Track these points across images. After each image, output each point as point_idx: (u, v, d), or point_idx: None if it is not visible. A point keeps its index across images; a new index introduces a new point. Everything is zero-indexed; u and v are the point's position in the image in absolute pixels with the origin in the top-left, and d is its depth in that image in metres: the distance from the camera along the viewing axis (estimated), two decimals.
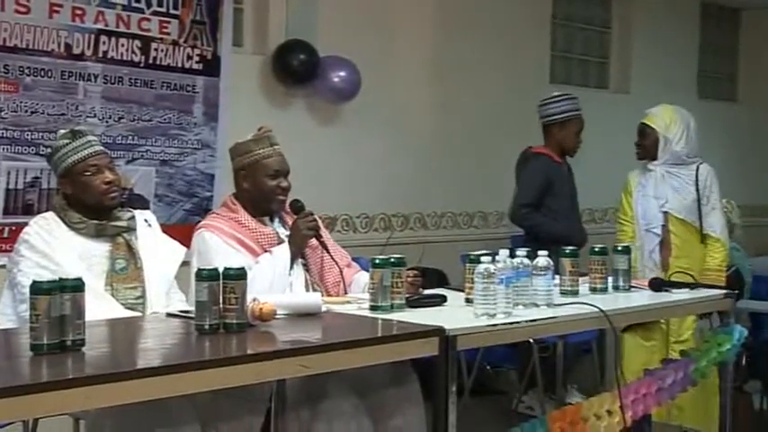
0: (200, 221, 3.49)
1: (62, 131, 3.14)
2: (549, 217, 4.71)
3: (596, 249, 3.32)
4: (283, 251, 3.28)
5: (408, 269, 2.93)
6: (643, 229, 4.50)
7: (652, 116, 4.55)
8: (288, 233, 3.36)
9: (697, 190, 4.44)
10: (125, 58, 4.34)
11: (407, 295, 2.87)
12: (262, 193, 3.34)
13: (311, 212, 3.37)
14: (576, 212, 4.95)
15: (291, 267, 3.28)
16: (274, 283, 3.19)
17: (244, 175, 3.36)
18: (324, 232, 3.46)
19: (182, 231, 3.85)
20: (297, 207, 3.39)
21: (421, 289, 3.09)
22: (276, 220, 3.43)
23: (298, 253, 3.32)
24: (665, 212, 4.47)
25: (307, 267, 3.37)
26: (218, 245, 3.23)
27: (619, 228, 4.65)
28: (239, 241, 3.27)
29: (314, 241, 3.39)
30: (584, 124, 4.87)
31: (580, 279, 3.23)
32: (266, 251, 3.29)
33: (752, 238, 4.66)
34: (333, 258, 3.37)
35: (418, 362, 2.83)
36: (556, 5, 6.66)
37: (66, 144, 3.05)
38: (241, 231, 3.29)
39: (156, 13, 4.43)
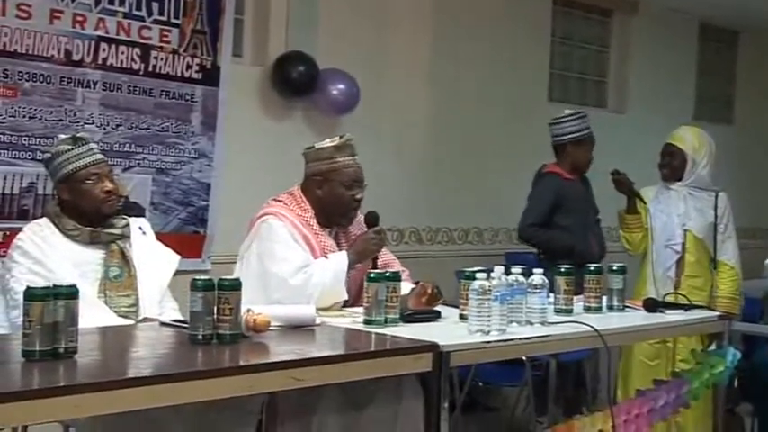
0: (195, 231, 3.46)
1: (63, 137, 3.12)
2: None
3: (591, 269, 3.32)
4: (341, 257, 3.21)
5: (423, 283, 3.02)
6: (662, 245, 4.46)
7: (679, 137, 4.50)
8: (337, 252, 3.28)
9: (715, 216, 4.44)
10: (125, 65, 4.33)
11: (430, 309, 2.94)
12: (336, 202, 3.27)
13: (383, 231, 3.29)
14: (594, 228, 4.78)
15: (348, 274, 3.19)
16: (331, 283, 3.13)
17: (319, 182, 3.28)
18: None
19: (177, 240, 3.87)
20: (372, 218, 3.29)
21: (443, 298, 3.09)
22: (334, 233, 3.36)
23: (356, 262, 3.22)
24: (686, 231, 4.46)
25: None
26: (284, 233, 3.18)
27: (628, 233, 4.59)
28: (304, 237, 3.22)
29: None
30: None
31: (575, 298, 3.23)
32: (324, 256, 3.23)
33: (745, 260, 4.66)
34: None
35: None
36: (555, 24, 6.68)
37: (68, 150, 3.04)
38: (307, 228, 3.24)
39: (156, 22, 4.42)
